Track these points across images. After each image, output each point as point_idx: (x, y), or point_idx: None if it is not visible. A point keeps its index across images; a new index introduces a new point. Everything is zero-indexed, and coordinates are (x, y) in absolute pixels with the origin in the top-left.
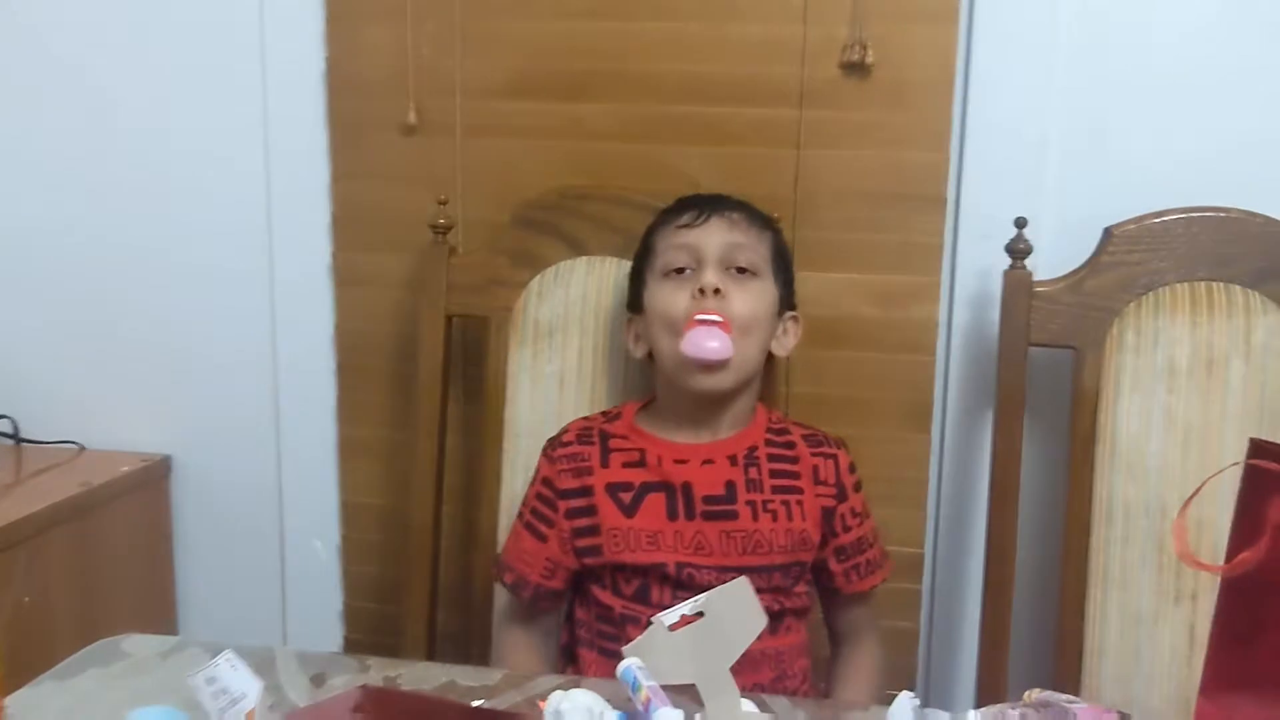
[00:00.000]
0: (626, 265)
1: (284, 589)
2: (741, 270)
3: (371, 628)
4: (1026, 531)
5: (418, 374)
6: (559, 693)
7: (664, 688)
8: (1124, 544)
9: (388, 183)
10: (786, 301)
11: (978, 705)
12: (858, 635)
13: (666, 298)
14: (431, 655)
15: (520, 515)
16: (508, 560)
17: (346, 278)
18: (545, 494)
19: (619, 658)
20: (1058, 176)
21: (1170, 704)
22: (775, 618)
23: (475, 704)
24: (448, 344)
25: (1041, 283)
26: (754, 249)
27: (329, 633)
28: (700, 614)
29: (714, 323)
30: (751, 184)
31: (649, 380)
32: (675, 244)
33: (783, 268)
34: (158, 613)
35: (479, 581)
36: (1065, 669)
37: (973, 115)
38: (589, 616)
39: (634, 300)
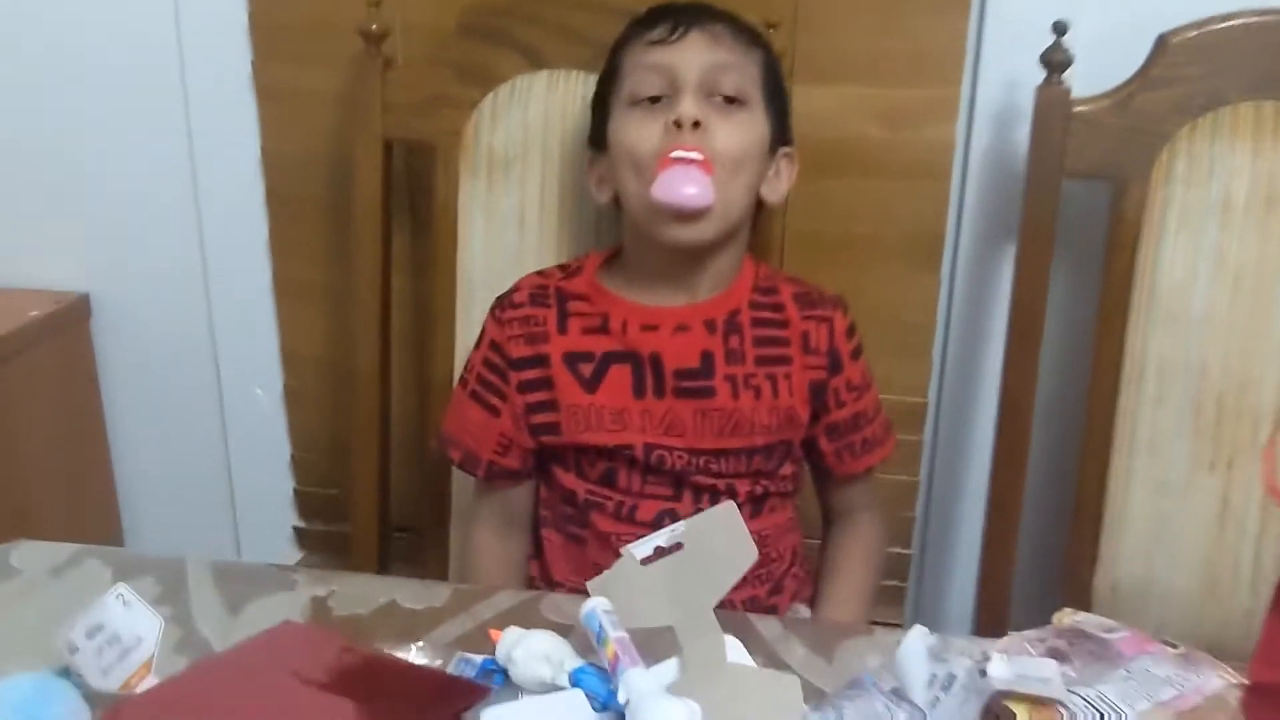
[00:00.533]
0: (594, 81)
1: (226, 440)
2: (728, 100)
3: (321, 479)
4: (1044, 388)
5: (352, 209)
6: (515, 631)
7: (636, 632)
8: (1156, 405)
9: None
10: (779, 136)
11: (982, 569)
12: (851, 516)
13: (634, 131)
14: (384, 516)
15: (464, 382)
16: (452, 433)
17: (270, 92)
18: (494, 361)
19: (583, 544)
20: None
21: (1194, 580)
22: (756, 500)
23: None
24: (386, 173)
25: (1081, 100)
26: (741, 70)
27: (277, 485)
28: (679, 545)
29: (692, 161)
30: None
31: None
32: (645, 64)
33: (775, 94)
34: (91, 472)
35: (434, 437)
36: (1080, 540)
37: None
38: (552, 497)
39: (596, 134)
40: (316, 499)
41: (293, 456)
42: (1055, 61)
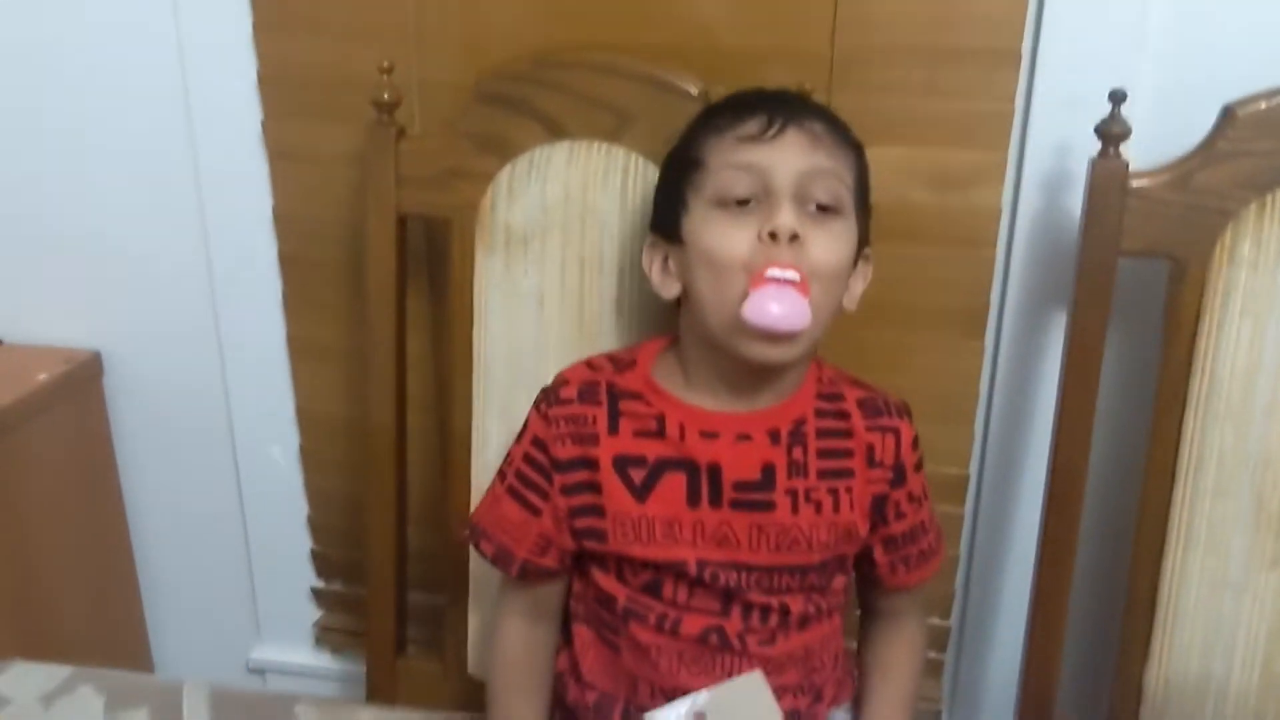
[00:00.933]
0: (618, 153)
1: (242, 501)
2: (821, 208)
3: (340, 541)
4: (1095, 471)
5: (365, 283)
6: None
7: None
8: (1215, 497)
9: (321, 36)
10: (864, 241)
11: (1026, 656)
12: (896, 620)
13: (721, 236)
14: (400, 582)
15: (502, 475)
16: (485, 526)
17: (281, 151)
18: (537, 459)
19: (617, 650)
20: (1164, 31)
21: (1253, 679)
22: (803, 620)
23: None
24: (401, 247)
25: (1138, 174)
26: (839, 177)
27: (295, 545)
28: (702, 715)
29: (789, 282)
30: (780, 36)
31: (654, 304)
32: (736, 163)
33: (865, 198)
34: (107, 535)
35: (453, 504)
36: (1132, 633)
37: None
38: (587, 594)
39: (666, 222)
40: (334, 560)
41: (309, 517)
42: (1112, 134)
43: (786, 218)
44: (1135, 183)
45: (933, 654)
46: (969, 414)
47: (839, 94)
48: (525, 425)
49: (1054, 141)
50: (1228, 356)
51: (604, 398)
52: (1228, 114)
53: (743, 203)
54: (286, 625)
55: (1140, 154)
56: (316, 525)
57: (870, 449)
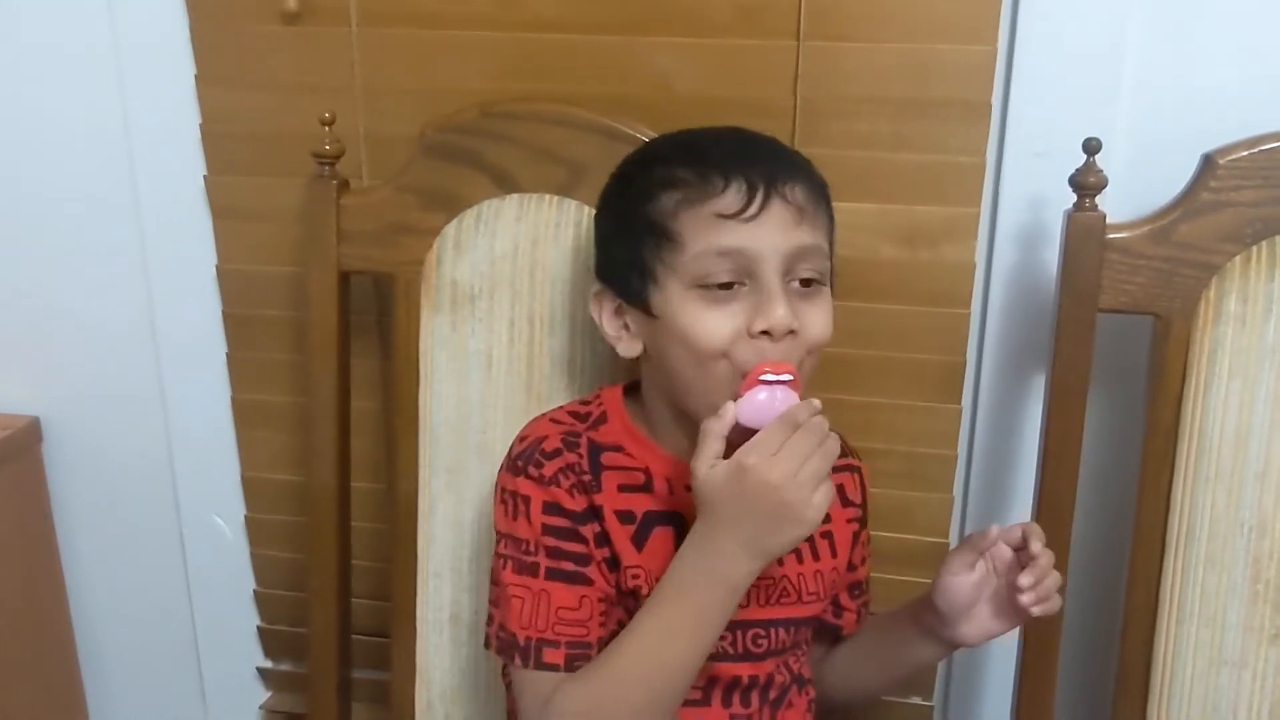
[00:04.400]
0: (570, 206)
1: (187, 574)
2: (805, 282)
3: (288, 617)
4: (1079, 539)
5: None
6: None
7: None
8: (1208, 567)
9: (264, 89)
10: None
11: None
12: None
13: (706, 322)
14: (343, 663)
15: (527, 567)
16: (543, 635)
17: (225, 208)
18: (558, 524)
19: None
20: (1138, 78)
21: None
22: (777, 699)
23: None
24: (344, 306)
25: (1117, 226)
26: (822, 250)
27: (241, 621)
28: None
29: (784, 383)
30: (740, 87)
31: (608, 364)
32: (719, 248)
33: (833, 246)
34: (46, 609)
35: (399, 575)
36: (1126, 713)
37: None
38: None
39: (628, 287)
40: (282, 637)
41: (256, 592)
42: (1087, 184)
43: (780, 314)
44: (1113, 235)
45: None
46: (947, 480)
47: (805, 146)
48: (515, 504)
49: (1028, 194)
50: (1216, 418)
51: (584, 450)
52: (1208, 162)
53: (725, 286)
54: (234, 707)
55: (1118, 206)
56: (263, 600)
57: (841, 489)
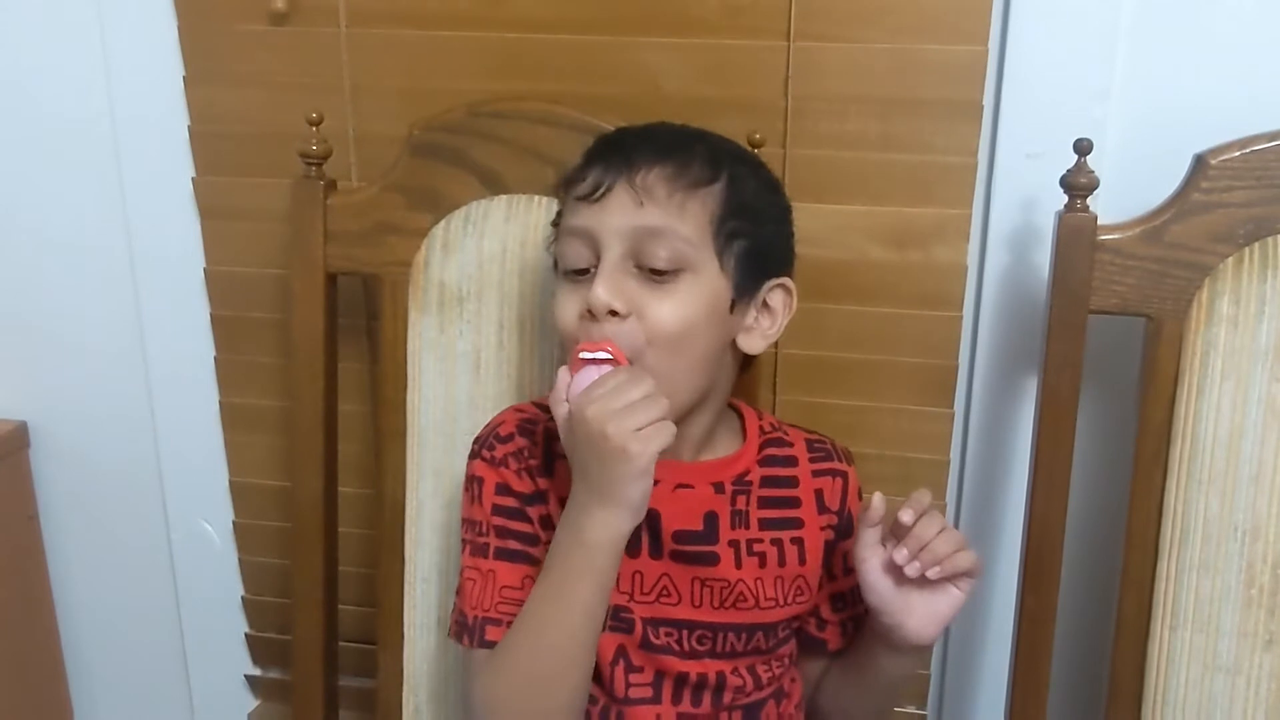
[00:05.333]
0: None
1: (175, 580)
2: (657, 272)
3: (276, 624)
4: (1072, 543)
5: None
6: None
7: None
8: (1201, 571)
9: (252, 89)
10: (751, 281)
11: None
12: None
13: (560, 305)
14: (329, 671)
15: (480, 549)
16: (487, 613)
17: (213, 209)
18: (507, 505)
19: None
20: (1130, 79)
21: None
22: (751, 706)
23: None
24: (330, 308)
25: (1108, 228)
26: (673, 233)
27: (230, 628)
28: None
29: (601, 361)
30: (729, 87)
31: None
32: (571, 228)
33: (740, 233)
34: (32, 616)
35: (385, 580)
36: (1119, 718)
37: None
38: None
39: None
40: (271, 644)
41: (244, 598)
42: (1079, 186)
43: (600, 292)
44: (1104, 236)
45: None
46: (939, 483)
47: (795, 147)
48: (473, 483)
49: (1020, 195)
50: (1209, 420)
51: (540, 438)
52: (1200, 163)
53: (581, 272)
54: (222, 714)
55: (1109, 208)
56: (252, 606)
57: (819, 494)
